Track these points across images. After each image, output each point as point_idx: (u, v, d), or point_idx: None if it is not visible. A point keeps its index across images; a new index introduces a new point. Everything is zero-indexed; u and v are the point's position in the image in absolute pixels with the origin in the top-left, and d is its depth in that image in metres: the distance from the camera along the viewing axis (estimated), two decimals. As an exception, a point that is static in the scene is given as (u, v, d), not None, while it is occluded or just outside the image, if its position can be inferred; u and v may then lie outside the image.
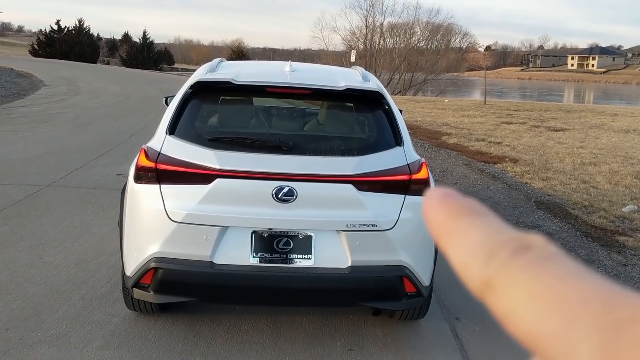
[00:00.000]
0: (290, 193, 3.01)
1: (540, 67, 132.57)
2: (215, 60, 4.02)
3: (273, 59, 45.71)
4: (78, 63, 43.00)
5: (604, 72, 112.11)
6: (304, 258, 3.07)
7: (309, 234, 3.07)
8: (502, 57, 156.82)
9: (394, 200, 3.12)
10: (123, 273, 3.21)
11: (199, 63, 59.05)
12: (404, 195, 3.13)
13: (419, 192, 3.15)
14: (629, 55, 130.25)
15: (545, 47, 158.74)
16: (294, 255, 3.07)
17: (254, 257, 3.04)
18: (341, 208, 3.08)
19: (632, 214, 6.48)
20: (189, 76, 3.95)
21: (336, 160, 3.13)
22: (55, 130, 10.71)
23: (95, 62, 56.60)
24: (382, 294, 3.22)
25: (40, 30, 60.57)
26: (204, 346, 3.27)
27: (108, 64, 60.34)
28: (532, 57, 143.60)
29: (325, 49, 46.69)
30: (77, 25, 59.49)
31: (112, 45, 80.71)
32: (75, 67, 35.29)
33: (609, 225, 6.07)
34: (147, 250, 3.04)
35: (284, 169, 3.04)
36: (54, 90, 19.59)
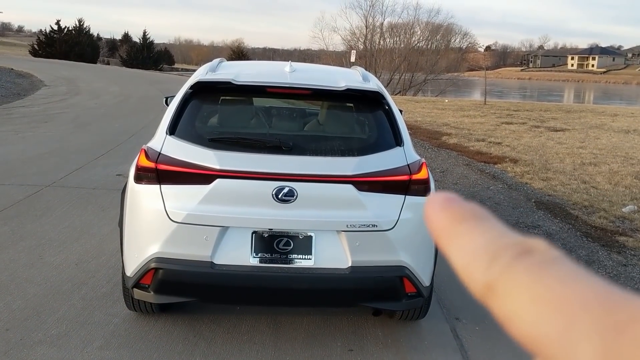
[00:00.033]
0: (291, 193, 3.01)
1: (540, 67, 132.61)
2: (216, 61, 4.02)
3: (273, 59, 45.75)
4: (78, 63, 43.02)
5: (604, 72, 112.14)
6: (304, 258, 3.07)
7: (309, 234, 3.07)
8: (502, 57, 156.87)
9: (394, 200, 3.12)
10: (123, 273, 3.22)
11: (199, 63, 59.04)
12: (404, 196, 3.13)
13: (419, 193, 3.15)
14: (629, 55, 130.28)
15: (545, 47, 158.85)
16: (294, 256, 3.07)
17: (254, 257, 3.04)
18: (341, 208, 3.08)
19: (632, 214, 6.48)
20: (189, 76, 3.95)
21: (336, 160, 3.13)
22: (56, 131, 10.71)
23: (95, 62, 56.63)
24: (383, 295, 3.22)
25: (40, 31, 60.62)
26: (204, 346, 3.28)
27: (108, 64, 60.36)
28: (532, 57, 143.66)
29: (325, 49, 46.74)
30: (77, 25, 59.53)
31: (112, 45, 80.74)
32: (75, 67, 35.30)
33: (609, 225, 6.08)
34: (147, 251, 3.04)
35: (284, 169, 3.04)
36: (54, 90, 19.60)
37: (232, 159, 3.06)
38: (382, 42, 43.45)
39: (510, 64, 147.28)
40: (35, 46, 56.60)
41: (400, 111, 3.71)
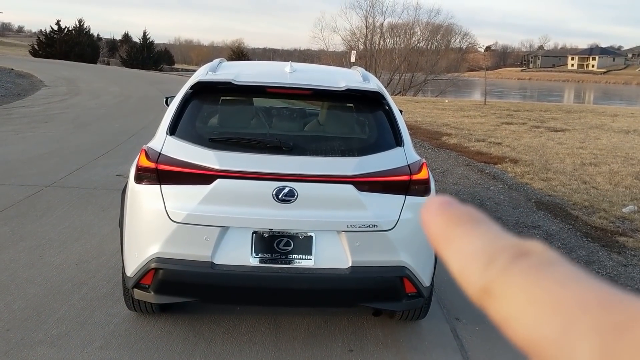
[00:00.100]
0: (291, 193, 3.01)
1: (541, 68, 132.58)
2: (216, 61, 4.02)
3: (273, 59, 45.72)
4: (78, 63, 43.02)
5: (604, 73, 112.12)
6: (305, 258, 3.07)
7: (309, 234, 3.07)
8: (502, 57, 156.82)
9: (394, 200, 3.13)
10: (123, 273, 3.22)
11: (199, 63, 59.05)
12: (404, 196, 3.13)
13: (419, 193, 3.15)
14: (629, 55, 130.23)
15: (545, 48, 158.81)
16: (295, 256, 3.07)
17: (254, 257, 3.04)
18: (342, 208, 3.08)
19: (633, 215, 6.48)
20: (189, 76, 3.95)
21: (336, 160, 3.13)
22: (56, 131, 10.72)
23: (96, 63, 56.64)
24: (383, 295, 3.22)
25: (41, 31, 60.65)
26: (205, 346, 3.28)
27: (108, 64, 60.38)
28: (532, 58, 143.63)
29: (326, 50, 46.71)
30: (77, 25, 59.58)
31: (112, 45, 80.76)
32: (75, 68, 35.31)
33: (609, 225, 6.08)
34: (147, 251, 3.04)
35: (284, 170, 3.04)
36: (54, 90, 19.60)
37: (232, 159, 3.06)
38: (382, 43, 43.47)
39: (511, 64, 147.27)
40: (36, 46, 56.63)
41: (401, 111, 3.72)
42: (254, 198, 3.04)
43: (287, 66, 3.72)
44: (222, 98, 3.69)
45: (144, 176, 3.08)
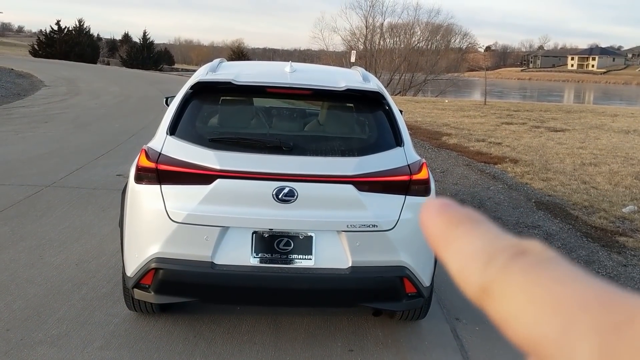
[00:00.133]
0: (291, 193, 3.01)
1: (540, 68, 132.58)
2: (216, 61, 4.02)
3: (273, 60, 45.71)
4: (78, 63, 43.02)
5: (604, 73, 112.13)
6: (305, 258, 3.07)
7: (309, 234, 3.07)
8: (502, 57, 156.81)
9: (394, 200, 3.13)
10: (124, 273, 3.22)
11: (199, 63, 59.02)
12: (404, 196, 3.13)
13: (419, 193, 3.15)
14: (629, 55, 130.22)
15: (545, 48, 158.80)
16: (295, 256, 3.07)
17: (254, 257, 3.04)
18: (342, 208, 3.08)
19: (632, 215, 6.48)
20: (189, 76, 3.95)
21: (336, 160, 3.13)
22: (56, 131, 10.72)
23: (96, 63, 56.65)
24: (383, 295, 3.22)
25: (41, 31, 60.65)
26: (205, 346, 3.28)
27: (108, 64, 60.38)
28: (532, 58, 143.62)
29: (326, 50, 46.71)
30: (77, 25, 59.59)
31: (112, 45, 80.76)
32: (75, 68, 35.31)
33: (609, 225, 6.08)
34: (147, 251, 3.04)
35: (284, 170, 3.04)
36: (54, 90, 19.60)
37: (232, 159, 3.06)
38: (382, 43, 43.47)
39: (510, 64, 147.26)
40: (36, 46, 56.64)
41: (401, 111, 3.72)
42: (254, 198, 3.04)
43: (287, 66, 3.72)
44: (222, 98, 3.69)
45: (144, 176, 3.08)
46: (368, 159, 3.16)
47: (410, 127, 7.81)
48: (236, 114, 3.78)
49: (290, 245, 3.06)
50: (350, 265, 3.06)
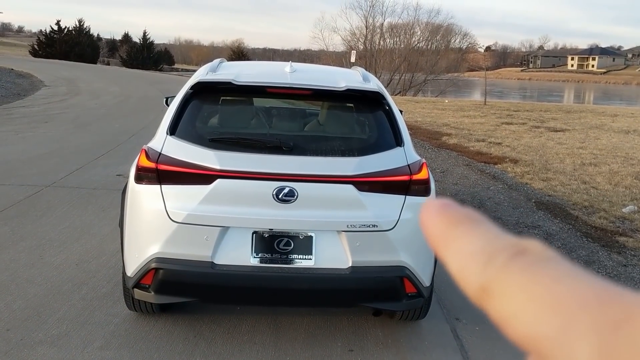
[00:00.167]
0: (291, 193, 3.01)
1: (540, 68, 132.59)
2: (216, 61, 4.02)
3: (273, 60, 45.70)
4: (78, 63, 43.02)
5: (604, 73, 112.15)
6: (305, 258, 3.07)
7: (309, 234, 3.07)
8: (502, 57, 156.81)
9: (394, 200, 3.13)
10: (124, 273, 3.22)
11: (199, 63, 59.04)
12: (404, 196, 3.13)
13: (419, 193, 3.16)
14: (629, 55, 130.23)
15: (545, 48, 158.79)
16: (295, 256, 3.07)
17: (254, 257, 3.04)
18: (342, 208, 3.08)
19: (633, 215, 6.48)
20: (189, 77, 3.95)
21: (337, 160, 3.13)
22: (56, 131, 10.72)
23: (96, 63, 56.65)
24: (383, 295, 3.22)
25: (41, 31, 60.66)
26: (205, 346, 3.28)
27: (108, 64, 60.38)
28: (532, 58, 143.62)
29: (326, 50, 46.72)
30: (77, 25, 59.59)
31: (112, 45, 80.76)
32: (75, 68, 35.31)
33: (609, 225, 6.08)
34: (147, 251, 3.04)
35: (284, 170, 3.04)
36: (54, 90, 19.60)
37: (232, 159, 3.06)
38: (382, 43, 43.48)
39: (510, 65, 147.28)
40: (36, 46, 56.64)
41: (401, 111, 3.72)
42: (254, 198, 3.04)
43: (287, 66, 3.73)
44: (222, 98, 3.69)
45: (144, 176, 3.08)
46: (368, 159, 3.16)
47: (410, 127, 7.81)
48: (236, 114, 3.78)
49: (290, 245, 3.07)
50: (350, 265, 3.06)
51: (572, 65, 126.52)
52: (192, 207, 3.00)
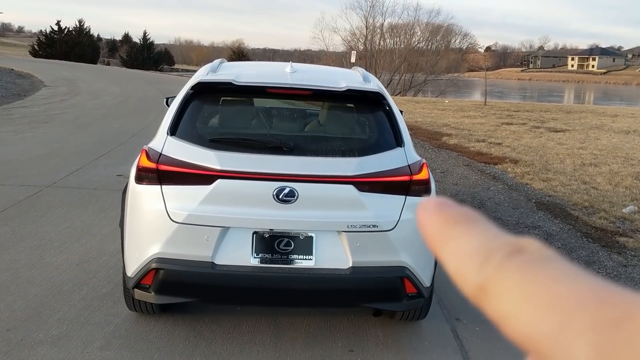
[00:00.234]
0: (291, 194, 3.01)
1: (541, 68, 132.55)
2: (216, 61, 4.02)
3: (273, 60, 45.67)
4: (78, 64, 43.02)
5: (604, 73, 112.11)
6: (305, 259, 3.07)
7: (309, 234, 3.07)
8: (502, 57, 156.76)
9: (394, 201, 3.13)
10: (124, 274, 3.22)
11: (199, 64, 59.06)
12: (404, 196, 3.13)
13: (420, 193, 3.16)
14: (629, 56, 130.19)
15: (545, 48, 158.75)
16: (295, 256, 3.07)
17: (255, 257, 3.04)
18: (342, 209, 3.08)
19: (633, 215, 6.48)
20: (189, 77, 3.95)
21: (337, 161, 3.14)
22: (56, 131, 10.72)
23: (96, 63, 56.62)
24: (383, 295, 3.22)
25: (41, 31, 60.63)
26: (205, 347, 3.28)
27: (108, 64, 60.36)
28: (532, 58, 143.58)
29: (326, 50, 46.74)
30: (78, 25, 59.56)
31: (112, 45, 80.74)
32: (75, 68, 35.31)
33: (610, 226, 6.08)
34: (148, 251, 3.04)
35: (285, 170, 3.04)
36: (54, 90, 19.60)
37: (233, 160, 3.07)
38: (382, 43, 43.48)
39: (511, 65, 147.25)
40: (36, 47, 56.61)
41: (401, 112, 3.72)
42: (255, 198, 3.04)
43: (287, 66, 3.73)
44: (222, 98, 3.69)
45: (145, 176, 3.08)
46: (368, 159, 3.16)
47: (410, 128, 7.80)
48: (237, 115, 3.79)
49: (290, 246, 3.07)
50: (350, 265, 3.06)
51: (572, 66, 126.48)
52: (192, 208, 3.00)
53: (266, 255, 3.05)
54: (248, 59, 59.37)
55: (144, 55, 61.32)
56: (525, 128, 14.15)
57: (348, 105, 3.72)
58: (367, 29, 42.88)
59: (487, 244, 0.27)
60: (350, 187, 3.07)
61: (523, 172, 8.60)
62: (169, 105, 3.59)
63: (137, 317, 3.56)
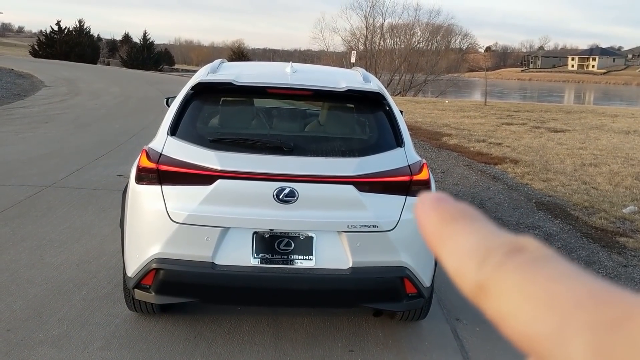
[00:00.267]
0: (292, 194, 3.01)
1: (541, 68, 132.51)
2: (217, 61, 4.03)
3: (273, 60, 45.68)
4: (78, 64, 43.02)
5: (604, 73, 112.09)
6: (305, 259, 3.07)
7: (310, 234, 3.07)
8: (502, 58, 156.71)
9: (395, 201, 3.13)
10: (124, 274, 3.22)
11: (200, 64, 59.08)
12: (405, 196, 3.13)
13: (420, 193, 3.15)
14: (629, 56, 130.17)
15: (545, 48, 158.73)
16: (295, 256, 3.07)
17: (255, 257, 3.04)
18: (342, 209, 3.08)
19: (633, 215, 6.48)
20: (190, 77, 3.95)
21: (337, 161, 3.14)
22: (56, 131, 10.72)
23: (96, 63, 56.60)
24: (383, 295, 3.23)
25: (41, 31, 60.62)
26: (205, 347, 3.28)
27: (108, 64, 60.34)
28: (532, 58, 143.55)
29: (326, 50, 46.72)
30: (78, 26, 59.55)
31: (113, 45, 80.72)
32: (75, 68, 35.30)
33: (610, 226, 6.08)
34: (148, 251, 3.04)
35: (285, 170, 3.04)
36: (54, 91, 19.60)
37: (233, 160, 3.07)
38: (382, 43, 43.47)
39: (511, 65, 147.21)
40: (36, 47, 56.60)
41: (401, 112, 3.72)
42: (255, 198, 3.04)
43: (287, 67, 3.73)
44: (222, 99, 3.70)
45: (145, 177, 3.08)
46: (368, 160, 3.16)
47: (410, 128, 7.80)
48: (237, 115, 3.79)
49: (290, 246, 3.07)
50: (350, 265, 3.07)
51: (572, 66, 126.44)
52: (192, 208, 3.00)
53: (266, 256, 3.05)
54: (248, 59, 59.36)
55: (144, 56, 61.31)
56: (525, 128, 14.15)
57: (348, 105, 3.72)
58: (367, 29, 42.90)
59: (485, 242, 0.27)
60: (351, 187, 3.07)
61: (523, 172, 8.60)
62: (169, 106, 3.60)
63: (138, 317, 3.56)
